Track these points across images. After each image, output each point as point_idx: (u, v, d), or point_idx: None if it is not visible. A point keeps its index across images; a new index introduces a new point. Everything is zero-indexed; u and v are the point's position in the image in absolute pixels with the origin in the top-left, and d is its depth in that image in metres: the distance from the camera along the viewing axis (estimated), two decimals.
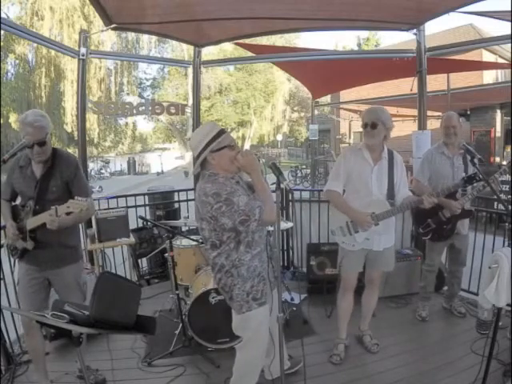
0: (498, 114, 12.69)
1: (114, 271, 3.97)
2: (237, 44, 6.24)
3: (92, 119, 17.49)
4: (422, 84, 4.05)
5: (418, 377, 2.51)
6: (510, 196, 6.38)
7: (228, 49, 23.08)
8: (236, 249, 1.95)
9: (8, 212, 2.25)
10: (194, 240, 3.22)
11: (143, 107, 4.67)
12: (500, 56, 14.01)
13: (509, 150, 11.75)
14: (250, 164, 1.89)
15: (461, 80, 10.41)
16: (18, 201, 2.32)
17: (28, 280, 2.24)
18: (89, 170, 11.76)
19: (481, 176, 2.47)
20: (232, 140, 1.96)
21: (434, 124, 6.28)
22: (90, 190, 2.39)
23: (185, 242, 3.47)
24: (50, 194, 2.17)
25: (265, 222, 1.90)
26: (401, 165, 2.65)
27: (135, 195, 4.68)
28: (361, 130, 2.68)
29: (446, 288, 3.57)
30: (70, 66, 16.58)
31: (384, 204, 2.53)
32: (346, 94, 16.28)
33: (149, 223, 4.16)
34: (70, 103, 17.38)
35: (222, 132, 1.94)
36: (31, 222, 2.12)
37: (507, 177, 6.83)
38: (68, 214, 2.02)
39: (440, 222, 2.99)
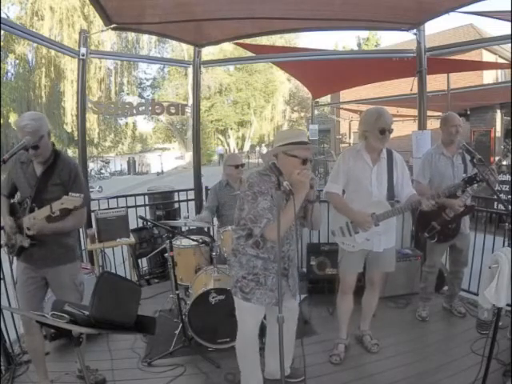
0: (498, 114, 12.69)
1: (114, 271, 3.97)
2: (237, 44, 6.23)
3: (92, 119, 17.52)
4: (422, 84, 4.05)
5: (418, 377, 2.51)
6: (510, 196, 6.37)
7: (228, 49, 23.11)
8: (245, 238, 2.08)
9: (6, 208, 2.25)
10: (193, 240, 3.22)
11: (143, 107, 4.65)
12: (500, 56, 14.03)
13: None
14: (296, 185, 1.92)
15: (461, 80, 10.42)
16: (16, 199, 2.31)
17: (25, 279, 2.24)
18: (89, 170, 11.77)
19: (481, 177, 2.47)
20: (309, 157, 2.02)
21: (433, 124, 6.27)
22: (87, 198, 2.34)
23: (185, 241, 3.46)
24: (49, 193, 2.16)
25: (265, 235, 1.98)
26: (401, 164, 2.63)
27: (135, 195, 4.69)
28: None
29: (446, 288, 3.57)
30: (70, 65, 16.62)
31: (384, 205, 2.52)
32: (346, 94, 16.26)
33: (149, 223, 4.16)
34: (69, 103, 17.40)
35: (305, 144, 2.02)
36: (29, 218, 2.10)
37: (507, 177, 6.83)
38: (62, 211, 2.00)
39: (445, 223, 2.98)
